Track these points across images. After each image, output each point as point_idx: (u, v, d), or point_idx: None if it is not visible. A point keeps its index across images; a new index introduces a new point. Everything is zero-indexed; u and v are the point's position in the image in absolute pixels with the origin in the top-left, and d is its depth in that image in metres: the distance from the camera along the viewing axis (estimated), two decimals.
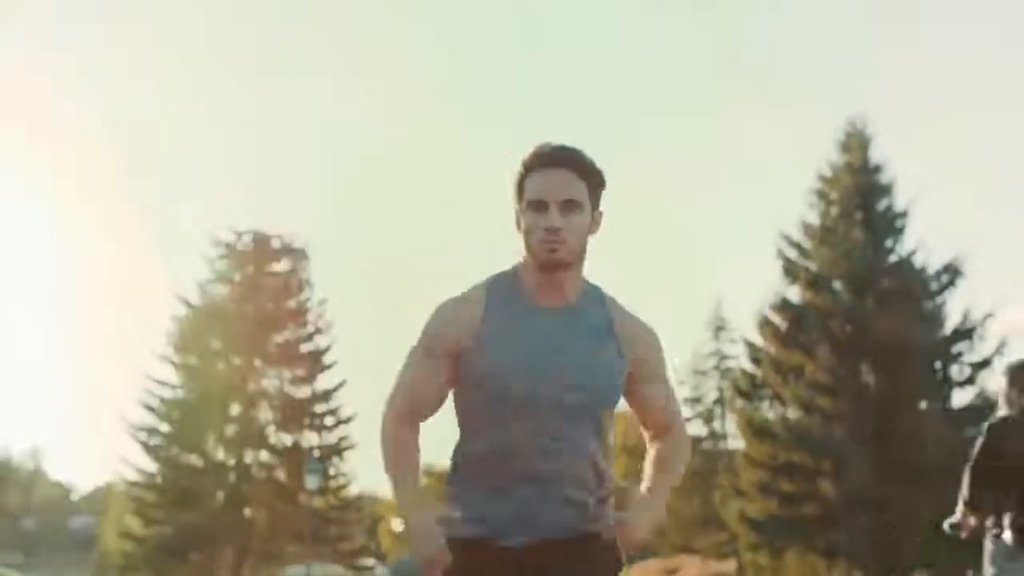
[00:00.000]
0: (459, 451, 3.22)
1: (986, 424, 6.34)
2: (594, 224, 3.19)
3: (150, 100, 74.01)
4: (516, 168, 3.20)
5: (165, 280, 67.40)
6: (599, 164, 3.20)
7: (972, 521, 6.32)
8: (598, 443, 3.17)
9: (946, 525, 6.53)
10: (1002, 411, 6.35)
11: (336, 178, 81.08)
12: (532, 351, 3.10)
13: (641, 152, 77.82)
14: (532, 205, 3.12)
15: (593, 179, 3.17)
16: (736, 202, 72.32)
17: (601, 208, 3.23)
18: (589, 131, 69.79)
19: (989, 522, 6.27)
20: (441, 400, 3.23)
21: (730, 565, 36.92)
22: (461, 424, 3.22)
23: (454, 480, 3.23)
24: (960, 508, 6.37)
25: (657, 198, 75.47)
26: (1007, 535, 6.15)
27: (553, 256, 3.10)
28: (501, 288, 3.20)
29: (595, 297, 3.22)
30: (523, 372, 3.10)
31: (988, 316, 30.94)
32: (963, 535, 6.42)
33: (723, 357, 43.62)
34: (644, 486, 3.30)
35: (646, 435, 3.41)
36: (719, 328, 43.80)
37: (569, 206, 3.10)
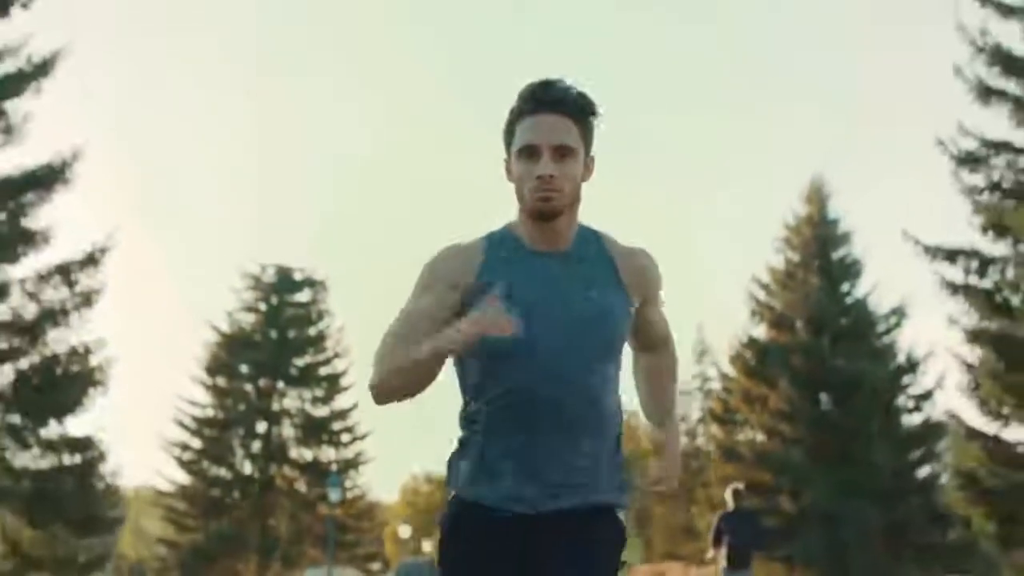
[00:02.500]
0: (473, 403, 3.19)
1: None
2: (587, 170, 3.17)
3: (160, 118, 79.49)
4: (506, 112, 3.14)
5: (195, 308, 71.57)
6: (592, 99, 3.15)
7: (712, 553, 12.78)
8: (612, 388, 3.18)
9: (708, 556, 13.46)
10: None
11: (355, 215, 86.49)
12: (537, 291, 3.10)
13: (640, 156, 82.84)
14: (523, 152, 3.09)
15: (586, 119, 3.14)
16: (723, 226, 77.56)
17: (592, 154, 3.18)
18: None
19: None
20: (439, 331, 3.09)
21: (710, 570, 42.39)
22: (470, 374, 3.18)
23: (469, 438, 3.20)
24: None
25: (650, 211, 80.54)
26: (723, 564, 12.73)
27: (547, 205, 3.08)
28: (499, 237, 3.20)
29: (590, 238, 3.22)
30: (526, 311, 3.05)
31: (929, 353, 36.42)
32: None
33: (706, 379, 49.16)
34: (659, 428, 3.46)
35: (632, 346, 3.43)
36: (702, 352, 49.35)
37: (562, 152, 3.08)
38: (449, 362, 3.13)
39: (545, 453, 3.08)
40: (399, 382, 3.05)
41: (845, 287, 37.50)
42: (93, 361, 23.07)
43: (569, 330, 3.09)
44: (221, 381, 44.01)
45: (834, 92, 79.27)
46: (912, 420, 36.79)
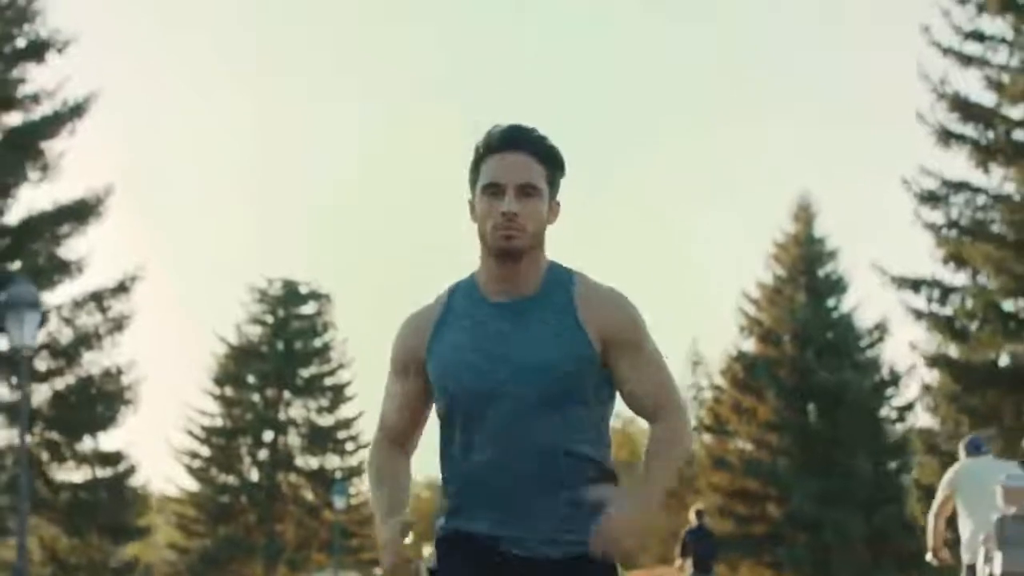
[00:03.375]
0: (441, 459, 3.22)
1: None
2: (552, 213, 3.17)
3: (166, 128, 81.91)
4: (470, 151, 3.18)
5: (204, 321, 75.23)
6: (560, 149, 3.18)
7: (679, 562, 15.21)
8: (579, 438, 3.11)
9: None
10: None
11: (358, 228, 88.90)
12: (481, 349, 3.10)
13: (637, 161, 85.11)
14: (487, 190, 3.09)
15: (552, 164, 3.15)
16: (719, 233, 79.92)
17: (559, 199, 3.19)
18: (587, 136, 76.63)
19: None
20: (415, 417, 3.27)
21: None
22: (440, 434, 3.22)
23: (443, 490, 3.27)
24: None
25: (648, 221, 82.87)
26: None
27: (509, 244, 3.07)
28: (463, 289, 3.21)
29: (559, 280, 3.17)
30: (471, 372, 3.09)
31: (912, 367, 38.83)
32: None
33: (700, 389, 51.57)
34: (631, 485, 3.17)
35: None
36: (696, 363, 51.81)
37: (526, 191, 3.08)
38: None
39: (507, 513, 3.10)
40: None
41: (831, 302, 39.90)
42: (124, 381, 25.50)
43: (519, 384, 3.06)
44: (229, 391, 45.94)
45: (833, 99, 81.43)
46: (894, 431, 39.31)
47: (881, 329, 39.19)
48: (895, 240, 58.30)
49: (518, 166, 3.10)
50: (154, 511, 40.88)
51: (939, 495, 9.57)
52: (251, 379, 46.12)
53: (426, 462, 3.34)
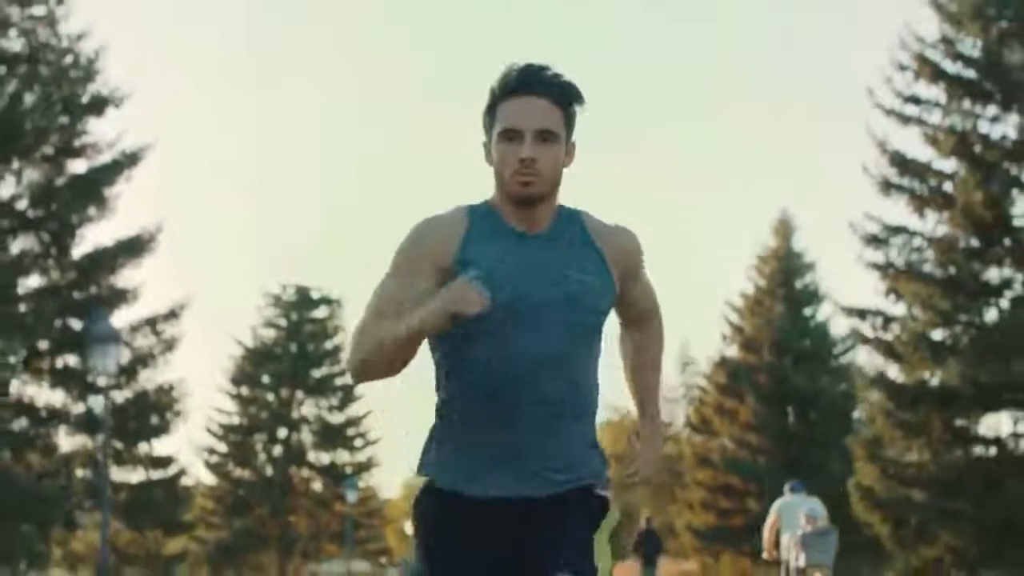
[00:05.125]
0: (449, 386, 3.24)
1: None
2: (568, 155, 3.24)
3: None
4: (486, 93, 3.22)
5: (220, 325, 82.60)
6: (577, 87, 3.24)
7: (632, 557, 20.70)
8: (592, 365, 3.30)
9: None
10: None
11: (365, 236, 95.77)
12: (516, 271, 3.17)
13: (637, 160, 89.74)
14: (504, 135, 3.16)
15: (569, 107, 3.22)
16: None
17: (574, 139, 3.26)
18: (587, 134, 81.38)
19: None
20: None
21: (692, 564, 49.81)
22: (449, 355, 3.23)
23: (446, 423, 3.26)
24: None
25: (644, 216, 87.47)
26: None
27: (527, 190, 3.15)
28: (482, 211, 3.26)
29: (571, 218, 3.30)
30: (508, 290, 3.13)
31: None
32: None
33: (690, 387, 56.57)
34: (641, 411, 3.54)
35: (620, 322, 3.53)
36: (686, 364, 56.91)
37: (544, 136, 3.15)
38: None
39: (526, 437, 3.16)
40: (377, 360, 3.12)
41: (808, 312, 44.89)
42: (175, 395, 30.63)
43: (549, 310, 3.16)
44: (245, 391, 49.58)
45: (830, 96, 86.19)
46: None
47: (855, 336, 44.07)
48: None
49: (536, 111, 3.15)
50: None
51: (769, 518, 16.06)
52: (266, 379, 49.87)
53: None
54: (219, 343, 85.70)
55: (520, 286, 3.17)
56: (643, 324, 3.53)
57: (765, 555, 16.48)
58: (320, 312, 51.48)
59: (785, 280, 44.61)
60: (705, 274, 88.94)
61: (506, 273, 3.17)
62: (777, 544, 16.32)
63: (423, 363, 3.25)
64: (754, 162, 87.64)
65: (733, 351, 45.26)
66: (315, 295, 51.55)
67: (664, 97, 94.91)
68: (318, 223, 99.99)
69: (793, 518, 15.92)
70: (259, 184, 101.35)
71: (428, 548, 3.28)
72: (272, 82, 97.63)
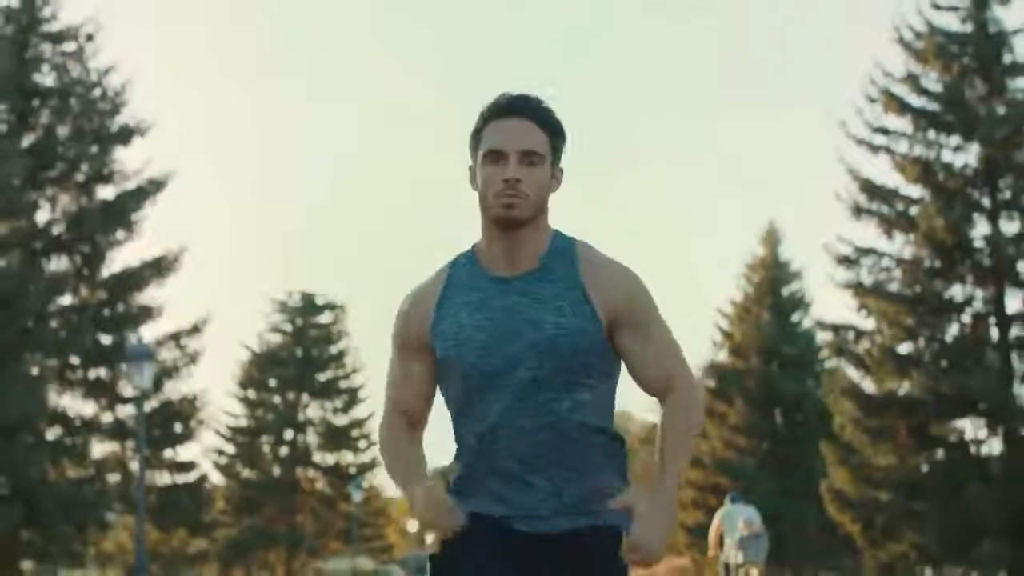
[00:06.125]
0: (454, 428, 3.35)
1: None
2: (555, 180, 3.25)
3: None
4: (473, 120, 3.24)
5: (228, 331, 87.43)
6: (560, 121, 3.26)
7: None
8: (586, 412, 3.23)
9: None
10: None
11: (374, 244, 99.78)
12: (486, 327, 3.20)
13: (637, 157, 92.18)
14: (489, 156, 3.18)
15: (554, 130, 3.24)
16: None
17: (562, 165, 3.27)
18: (586, 132, 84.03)
19: None
20: (426, 396, 3.38)
21: (684, 560, 52.75)
22: (449, 403, 3.35)
23: (456, 454, 3.35)
24: None
25: (641, 222, 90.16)
26: None
27: (510, 212, 3.16)
28: (463, 263, 3.30)
29: (563, 251, 3.26)
30: (478, 351, 3.20)
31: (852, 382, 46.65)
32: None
33: None
34: (653, 478, 3.25)
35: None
36: None
37: (529, 157, 3.17)
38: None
39: (518, 484, 3.21)
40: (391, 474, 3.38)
41: (794, 318, 47.97)
42: (197, 404, 33.85)
43: (525, 360, 3.16)
44: (252, 394, 51.99)
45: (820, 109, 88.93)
46: None
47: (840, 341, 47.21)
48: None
49: (520, 132, 3.18)
50: None
51: (714, 523, 19.33)
52: (273, 383, 52.21)
53: (429, 456, 3.40)
54: (227, 352, 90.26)
55: (490, 343, 3.20)
56: (661, 394, 3.30)
57: (710, 553, 19.80)
58: (325, 317, 53.83)
59: (772, 288, 47.65)
60: (698, 281, 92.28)
61: (474, 337, 3.22)
62: (720, 545, 19.58)
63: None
64: (747, 171, 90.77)
65: (723, 356, 48.32)
66: (320, 301, 53.88)
67: (657, 103, 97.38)
68: (321, 227, 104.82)
69: (733, 524, 19.30)
70: (263, 191, 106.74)
71: (440, 556, 3.31)
72: (273, 82, 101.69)
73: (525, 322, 3.20)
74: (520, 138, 3.19)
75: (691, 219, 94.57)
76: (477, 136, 3.25)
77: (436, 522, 3.18)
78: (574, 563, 3.24)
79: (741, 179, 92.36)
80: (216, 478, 50.73)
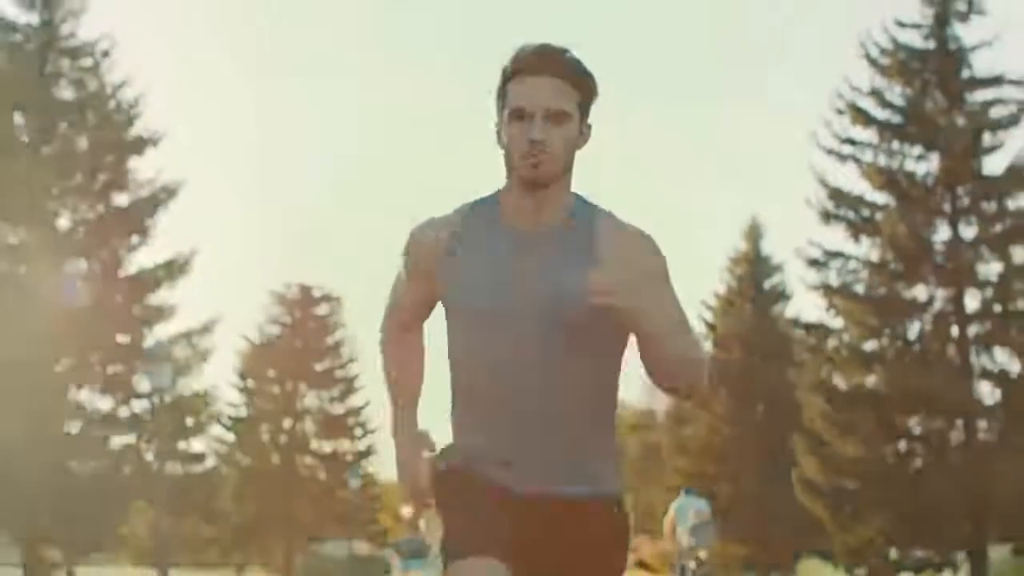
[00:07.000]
0: (451, 379, 3.37)
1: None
2: (582, 137, 3.24)
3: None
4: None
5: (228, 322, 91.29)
6: (591, 72, 3.21)
7: None
8: (582, 382, 3.23)
9: None
10: None
11: (371, 239, 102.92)
12: (493, 276, 3.21)
13: (624, 149, 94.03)
14: (514, 114, 3.15)
15: (583, 87, 3.20)
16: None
17: (590, 121, 3.24)
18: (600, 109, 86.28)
19: None
20: (422, 315, 3.51)
21: (668, 544, 55.57)
22: (448, 351, 3.35)
23: (452, 412, 3.38)
24: None
25: (643, 208, 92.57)
26: None
27: (535, 172, 3.14)
28: (482, 210, 3.30)
29: (584, 215, 3.24)
30: (483, 297, 3.21)
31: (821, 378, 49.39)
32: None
33: None
34: None
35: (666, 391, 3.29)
36: None
37: (555, 117, 3.14)
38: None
39: (515, 442, 3.21)
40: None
41: (776, 310, 50.79)
42: (207, 399, 36.79)
43: (528, 316, 3.17)
44: (252, 384, 53.58)
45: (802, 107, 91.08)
46: None
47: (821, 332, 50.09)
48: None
49: (547, 90, 3.14)
50: None
51: (668, 514, 22.02)
52: (271, 373, 53.78)
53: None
54: (234, 348, 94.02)
55: (498, 293, 3.20)
56: (668, 375, 3.19)
57: (665, 539, 22.75)
58: (321, 309, 55.41)
59: (754, 283, 50.48)
60: (684, 274, 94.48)
61: (484, 280, 3.22)
62: (674, 532, 22.29)
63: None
64: (733, 166, 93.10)
65: (708, 348, 51.18)
66: (317, 293, 55.64)
67: (644, 96, 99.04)
68: (318, 223, 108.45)
69: (685, 514, 22.08)
70: (267, 194, 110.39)
71: (446, 502, 3.35)
72: (274, 85, 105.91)
73: (536, 277, 3.20)
74: (546, 97, 3.16)
75: (678, 212, 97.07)
76: (502, 93, 3.22)
77: (411, 492, 3.47)
78: (572, 529, 3.27)
79: (727, 174, 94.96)
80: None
